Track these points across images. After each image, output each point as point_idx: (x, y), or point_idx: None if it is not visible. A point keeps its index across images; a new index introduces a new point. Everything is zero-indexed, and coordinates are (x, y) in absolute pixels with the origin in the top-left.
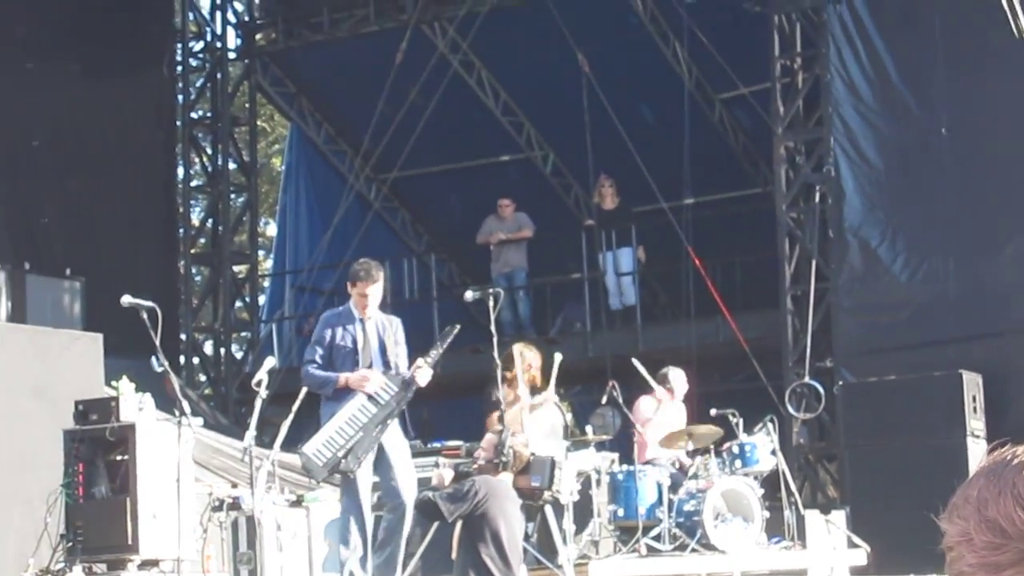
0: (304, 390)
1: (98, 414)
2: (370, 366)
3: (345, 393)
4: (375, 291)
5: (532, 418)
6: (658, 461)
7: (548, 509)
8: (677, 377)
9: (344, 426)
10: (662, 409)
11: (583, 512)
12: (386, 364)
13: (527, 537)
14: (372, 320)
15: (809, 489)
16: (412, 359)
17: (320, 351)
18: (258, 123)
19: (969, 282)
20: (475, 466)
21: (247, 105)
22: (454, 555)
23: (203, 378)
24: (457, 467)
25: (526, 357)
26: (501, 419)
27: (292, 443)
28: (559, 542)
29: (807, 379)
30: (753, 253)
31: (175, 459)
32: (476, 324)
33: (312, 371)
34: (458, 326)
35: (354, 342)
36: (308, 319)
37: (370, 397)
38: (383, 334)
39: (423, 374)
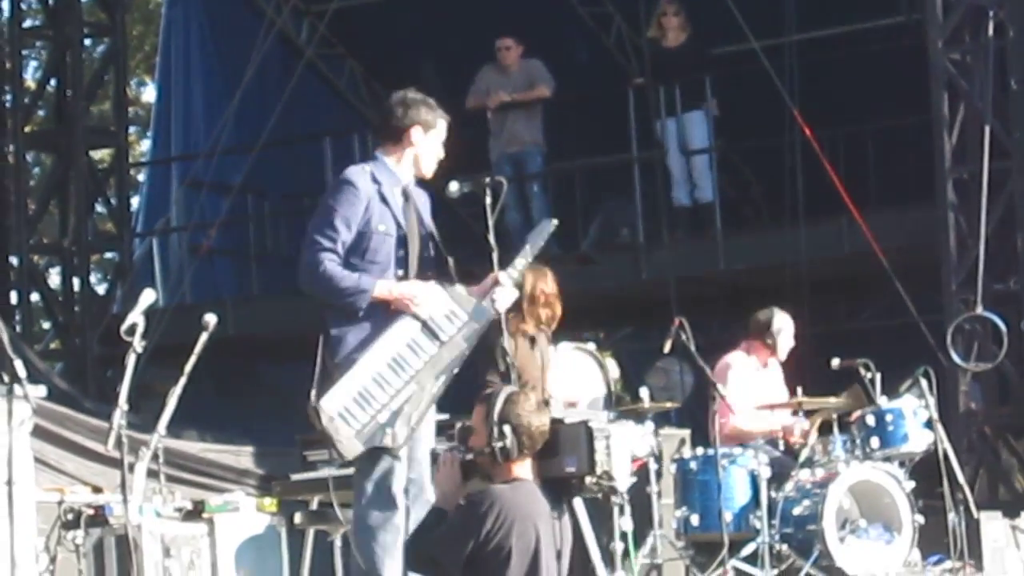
0: (204, 337)
1: None
2: (416, 263)
3: (380, 314)
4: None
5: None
6: (754, 442)
7: (579, 510)
8: (786, 326)
9: (387, 374)
10: (763, 374)
11: (638, 520)
12: (436, 264)
13: None
14: (410, 192)
15: (986, 480)
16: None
17: (343, 234)
18: None
19: None
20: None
21: None
22: None
23: (47, 325)
24: (465, 458)
25: (537, 286)
26: (506, 375)
27: (185, 422)
28: (599, 563)
29: (980, 310)
30: (893, 117)
31: (4, 449)
32: (467, 231)
33: (331, 266)
34: (554, 221)
35: (398, 228)
36: (208, 232)
37: (424, 326)
38: (423, 213)
39: (504, 295)
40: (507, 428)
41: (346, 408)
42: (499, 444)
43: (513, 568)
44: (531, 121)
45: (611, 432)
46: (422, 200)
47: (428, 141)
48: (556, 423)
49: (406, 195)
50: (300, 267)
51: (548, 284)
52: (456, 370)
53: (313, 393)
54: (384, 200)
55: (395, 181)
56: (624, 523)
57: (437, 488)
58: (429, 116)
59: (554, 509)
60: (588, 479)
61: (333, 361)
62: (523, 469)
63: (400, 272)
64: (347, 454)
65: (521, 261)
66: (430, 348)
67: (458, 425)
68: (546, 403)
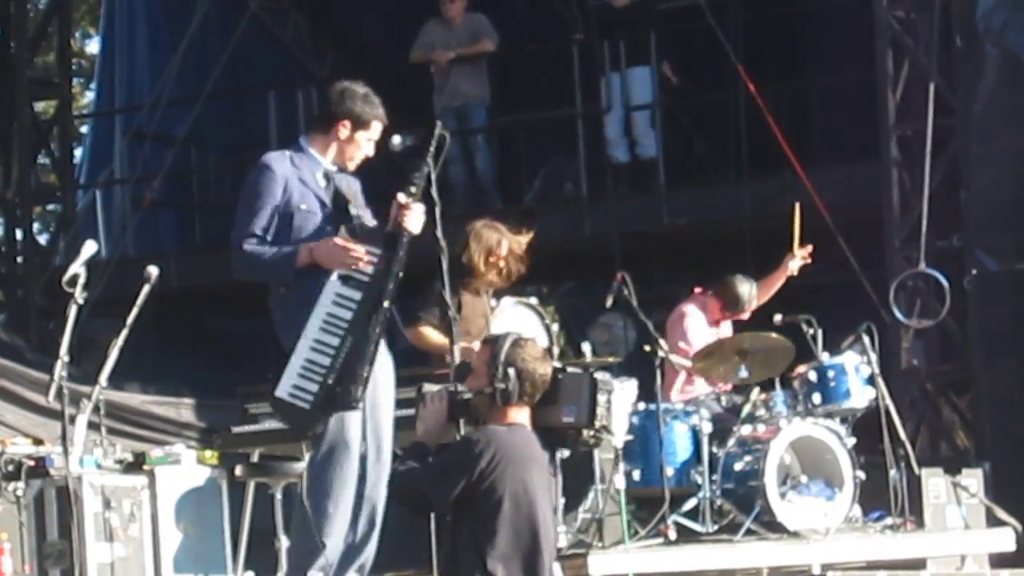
0: (146, 289)
1: None
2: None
3: (312, 280)
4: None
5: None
6: (701, 399)
7: None
8: (750, 304)
9: (323, 337)
10: (714, 332)
11: (578, 476)
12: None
13: None
14: (337, 176)
15: (927, 436)
16: None
17: (263, 218)
18: None
19: None
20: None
21: None
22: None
23: None
24: (456, 396)
25: (489, 241)
26: (449, 330)
27: (127, 375)
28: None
29: (923, 266)
30: (838, 74)
31: None
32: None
33: (251, 248)
34: (446, 134)
35: (322, 206)
36: (151, 184)
37: (345, 279)
38: (349, 196)
39: (412, 217)
40: (511, 371)
41: (295, 386)
42: (501, 386)
43: (505, 512)
44: (475, 75)
45: (614, 387)
46: (352, 186)
47: (356, 138)
48: (557, 371)
49: (328, 178)
50: (231, 257)
51: (504, 247)
52: (388, 302)
53: (271, 387)
54: (303, 182)
55: (316, 166)
56: (618, 479)
57: (421, 423)
58: (363, 113)
59: (551, 462)
60: (585, 432)
61: (288, 346)
62: (520, 415)
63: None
64: (308, 429)
65: (418, 176)
66: (355, 295)
67: (456, 362)
68: (549, 352)
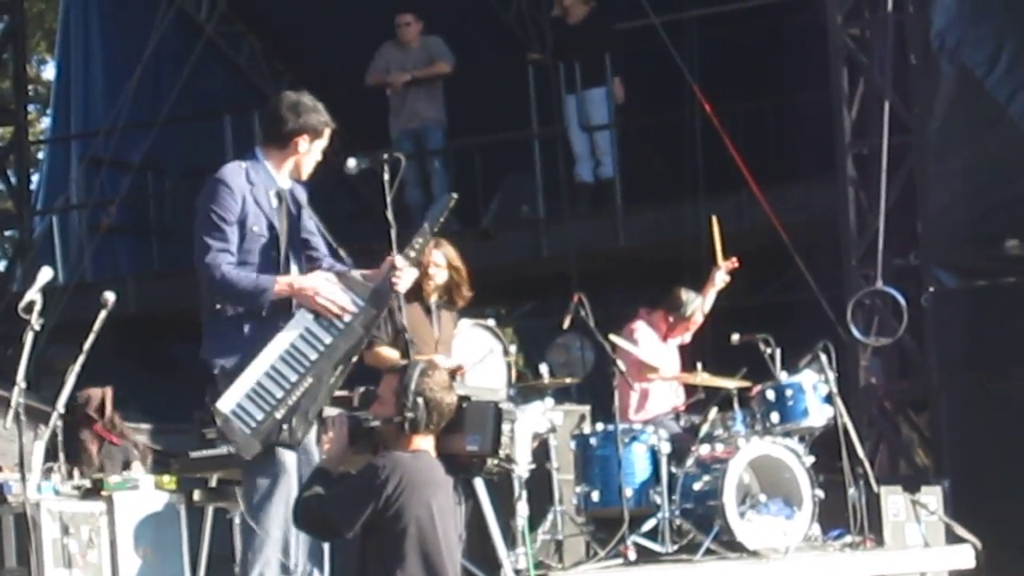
0: (102, 315)
1: None
2: (286, 264)
3: (276, 311)
4: None
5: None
6: (660, 419)
7: (480, 490)
8: (696, 313)
9: (281, 368)
10: (663, 347)
11: (538, 497)
12: (302, 261)
13: None
14: (288, 192)
15: (886, 454)
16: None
17: (230, 235)
18: None
19: None
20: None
21: None
22: None
23: None
24: (357, 421)
25: (436, 254)
26: (405, 349)
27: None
28: (500, 543)
29: (880, 284)
30: (794, 92)
31: None
32: (367, 209)
33: (227, 269)
34: (454, 195)
35: (271, 227)
36: (108, 209)
37: (318, 317)
38: (295, 211)
39: (404, 278)
40: (420, 400)
41: (239, 406)
42: (410, 415)
43: (412, 536)
44: (432, 98)
45: (517, 416)
46: (300, 198)
47: (312, 148)
48: (462, 400)
49: (280, 197)
50: (199, 273)
51: (435, 255)
52: (355, 358)
53: (208, 397)
54: (257, 202)
55: (270, 183)
56: (522, 508)
57: (323, 450)
58: (318, 124)
59: (455, 490)
60: (490, 461)
61: (222, 364)
62: (425, 442)
63: (275, 269)
64: (245, 454)
65: (419, 240)
66: (326, 338)
67: (359, 391)
68: (453, 377)
